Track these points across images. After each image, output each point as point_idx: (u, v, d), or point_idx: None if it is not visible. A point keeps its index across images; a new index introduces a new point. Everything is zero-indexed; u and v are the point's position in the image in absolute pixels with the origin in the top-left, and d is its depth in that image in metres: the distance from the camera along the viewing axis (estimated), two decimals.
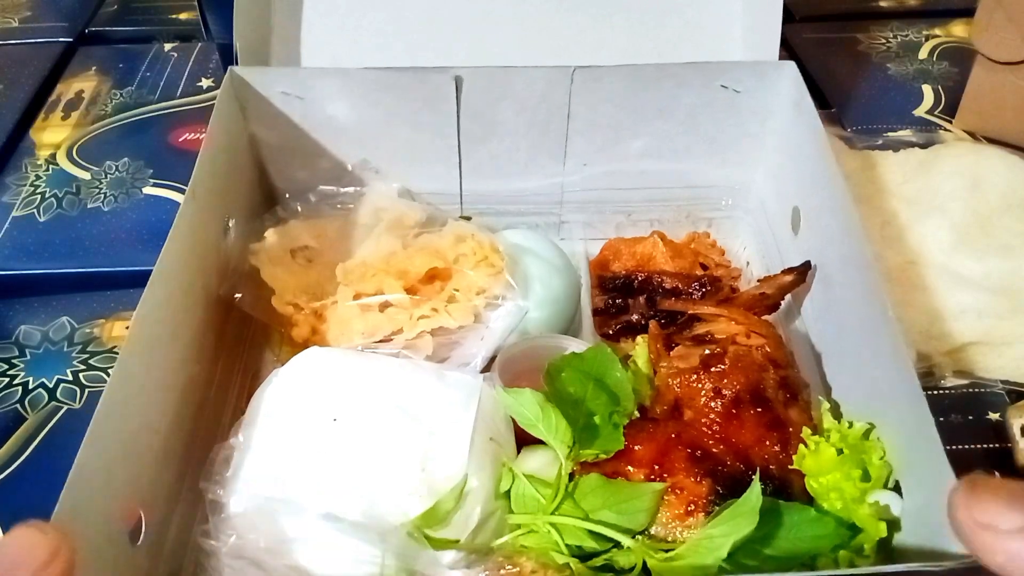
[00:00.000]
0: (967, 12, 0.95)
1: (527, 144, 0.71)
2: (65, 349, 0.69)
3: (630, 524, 0.50)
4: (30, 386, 0.66)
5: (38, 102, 0.94)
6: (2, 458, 0.61)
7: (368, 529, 0.48)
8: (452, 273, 0.65)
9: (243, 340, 0.68)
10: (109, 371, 0.67)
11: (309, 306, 0.63)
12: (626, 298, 0.70)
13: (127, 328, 0.68)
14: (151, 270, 0.75)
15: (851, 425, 0.53)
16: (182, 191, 0.82)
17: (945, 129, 0.87)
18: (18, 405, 0.65)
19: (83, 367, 0.67)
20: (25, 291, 0.74)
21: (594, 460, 0.53)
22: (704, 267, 0.73)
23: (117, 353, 0.68)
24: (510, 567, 0.49)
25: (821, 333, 0.64)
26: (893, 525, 0.49)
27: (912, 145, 0.83)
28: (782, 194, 0.71)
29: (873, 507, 0.49)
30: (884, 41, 1.01)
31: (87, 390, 0.66)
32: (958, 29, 1.02)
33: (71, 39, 1.02)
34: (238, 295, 0.63)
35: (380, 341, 0.61)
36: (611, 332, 0.68)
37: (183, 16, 1.06)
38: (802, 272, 0.64)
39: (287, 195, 0.73)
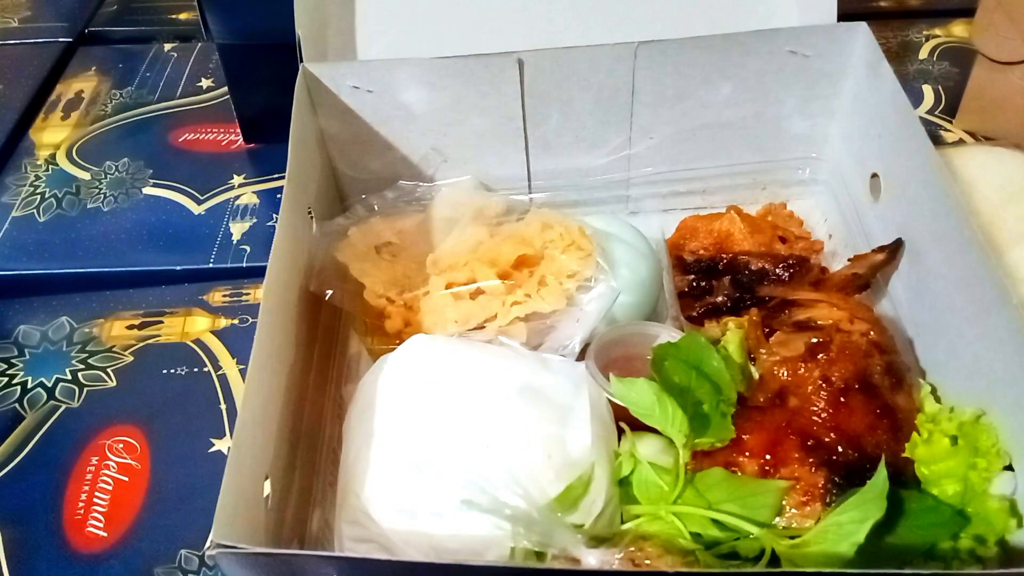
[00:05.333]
0: (967, 12, 0.94)
1: (593, 121, 0.71)
2: (64, 349, 0.69)
3: (754, 517, 0.49)
4: (29, 385, 0.66)
5: (38, 102, 0.94)
6: (0, 457, 0.62)
7: (499, 509, 0.48)
8: (541, 258, 0.65)
9: (332, 331, 0.70)
10: (108, 370, 0.67)
11: (401, 298, 0.64)
12: (710, 280, 0.68)
13: (127, 328, 0.71)
14: (151, 270, 0.77)
15: (952, 409, 0.52)
16: (182, 191, 0.82)
17: (945, 129, 0.87)
18: (17, 404, 0.65)
19: (82, 367, 0.68)
20: (24, 291, 0.74)
21: (707, 450, 0.53)
22: (783, 240, 0.71)
23: (116, 353, 0.69)
24: (636, 551, 0.49)
25: (911, 311, 0.62)
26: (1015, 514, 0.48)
27: None
28: (860, 161, 0.69)
29: (999, 500, 0.48)
30: (884, 41, 1.00)
31: (86, 389, 0.66)
32: (958, 29, 1.01)
33: (71, 39, 1.02)
34: (329, 291, 0.65)
35: (473, 328, 0.61)
36: (695, 314, 0.67)
37: (183, 16, 1.06)
38: (893, 249, 0.63)
39: (363, 195, 0.73)
